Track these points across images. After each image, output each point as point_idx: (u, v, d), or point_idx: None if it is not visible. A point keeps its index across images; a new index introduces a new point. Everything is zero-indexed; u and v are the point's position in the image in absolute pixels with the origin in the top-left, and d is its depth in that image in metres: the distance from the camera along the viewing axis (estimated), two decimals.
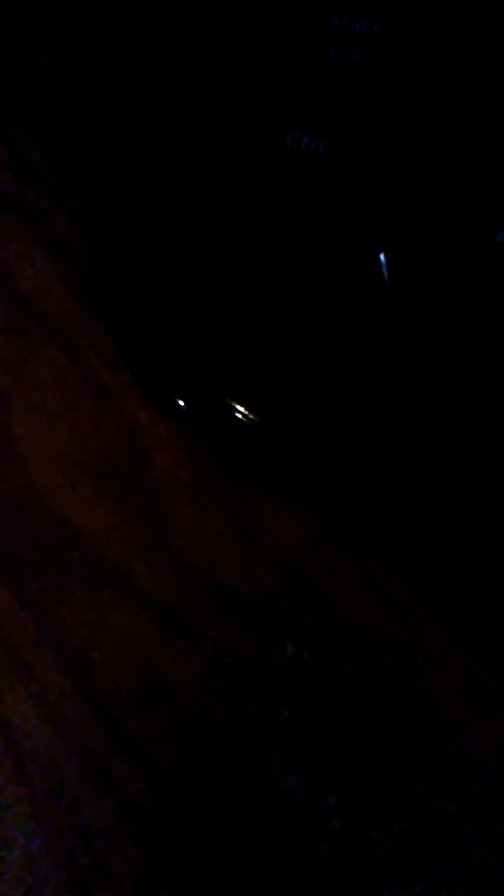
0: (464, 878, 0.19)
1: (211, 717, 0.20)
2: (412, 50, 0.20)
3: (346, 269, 0.20)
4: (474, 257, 0.20)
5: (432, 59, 0.20)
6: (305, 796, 0.20)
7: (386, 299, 0.20)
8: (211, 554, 0.22)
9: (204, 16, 0.22)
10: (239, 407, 0.20)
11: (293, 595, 0.21)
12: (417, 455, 0.20)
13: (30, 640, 0.21)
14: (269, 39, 0.21)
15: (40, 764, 0.20)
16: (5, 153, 0.26)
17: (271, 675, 0.21)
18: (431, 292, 0.20)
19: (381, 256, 0.20)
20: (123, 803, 0.20)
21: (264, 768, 0.20)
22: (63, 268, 0.24)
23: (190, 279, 0.21)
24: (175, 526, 0.22)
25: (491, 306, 0.20)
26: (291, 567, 0.21)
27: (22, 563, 0.22)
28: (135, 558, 0.22)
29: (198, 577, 0.21)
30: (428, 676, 0.21)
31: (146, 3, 0.23)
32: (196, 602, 0.21)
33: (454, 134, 0.20)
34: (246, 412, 0.20)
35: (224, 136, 0.21)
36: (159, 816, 0.20)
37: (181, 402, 0.21)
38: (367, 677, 0.21)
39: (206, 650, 0.21)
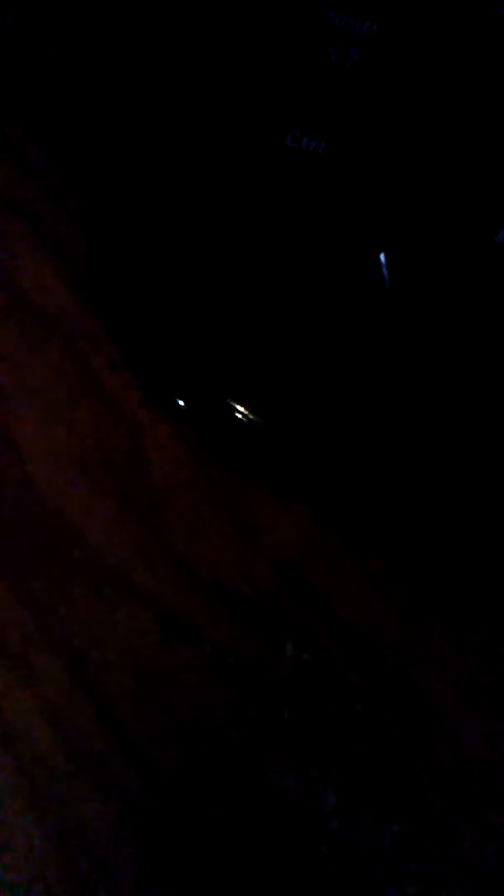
0: (464, 878, 0.19)
1: (211, 718, 0.20)
2: (412, 50, 0.20)
3: (346, 269, 0.20)
4: (474, 257, 0.20)
5: (432, 58, 0.20)
6: (305, 796, 0.20)
7: (386, 299, 0.20)
8: (211, 554, 0.22)
9: (204, 15, 0.22)
10: (239, 407, 0.20)
11: (293, 595, 0.21)
12: (418, 455, 0.20)
13: (30, 640, 0.21)
14: (269, 40, 0.21)
15: (40, 764, 0.20)
16: (5, 153, 0.26)
17: (271, 675, 0.21)
18: (431, 292, 0.20)
19: (381, 256, 0.20)
20: (123, 803, 0.20)
21: (264, 768, 0.20)
22: (63, 268, 0.24)
23: (190, 279, 0.21)
24: (175, 526, 0.22)
25: (491, 306, 0.20)
26: (291, 567, 0.21)
27: (22, 562, 0.22)
28: (135, 558, 0.22)
29: (198, 577, 0.21)
30: (428, 677, 0.21)
31: (146, 2, 0.23)
32: (196, 602, 0.21)
33: (454, 134, 0.20)
34: (246, 412, 0.20)
35: (224, 136, 0.21)
36: (159, 816, 0.20)
37: (181, 402, 0.21)
38: (367, 677, 0.21)
39: (206, 650, 0.21)
